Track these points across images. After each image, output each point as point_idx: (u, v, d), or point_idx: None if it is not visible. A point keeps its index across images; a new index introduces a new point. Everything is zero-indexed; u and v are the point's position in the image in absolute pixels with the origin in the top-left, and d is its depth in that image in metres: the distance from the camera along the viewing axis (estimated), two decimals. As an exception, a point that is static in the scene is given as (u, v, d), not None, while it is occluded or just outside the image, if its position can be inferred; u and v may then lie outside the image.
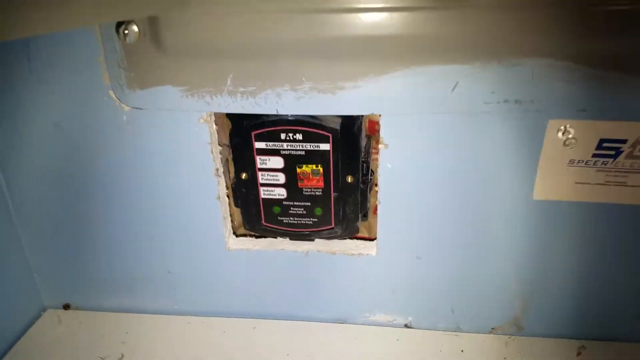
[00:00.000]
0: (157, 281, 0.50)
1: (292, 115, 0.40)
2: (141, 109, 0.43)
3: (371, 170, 0.47)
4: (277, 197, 0.45)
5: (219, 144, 0.47)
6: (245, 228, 0.49)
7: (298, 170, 0.43)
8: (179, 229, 0.47)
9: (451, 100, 0.38)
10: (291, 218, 0.47)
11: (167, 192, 0.46)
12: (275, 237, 0.50)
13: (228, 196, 0.49)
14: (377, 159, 0.44)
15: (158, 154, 0.45)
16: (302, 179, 0.44)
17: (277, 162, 0.43)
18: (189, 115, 0.42)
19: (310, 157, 0.42)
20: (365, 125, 0.49)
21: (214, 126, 0.45)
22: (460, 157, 0.41)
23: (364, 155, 0.45)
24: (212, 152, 0.45)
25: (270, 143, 0.42)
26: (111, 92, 0.43)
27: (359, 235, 0.51)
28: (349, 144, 0.41)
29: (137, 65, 0.40)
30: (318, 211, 0.46)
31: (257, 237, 0.49)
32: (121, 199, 0.48)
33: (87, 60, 0.41)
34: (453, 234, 0.44)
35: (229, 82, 0.39)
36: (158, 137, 0.44)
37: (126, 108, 0.43)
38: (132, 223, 0.48)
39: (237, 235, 0.52)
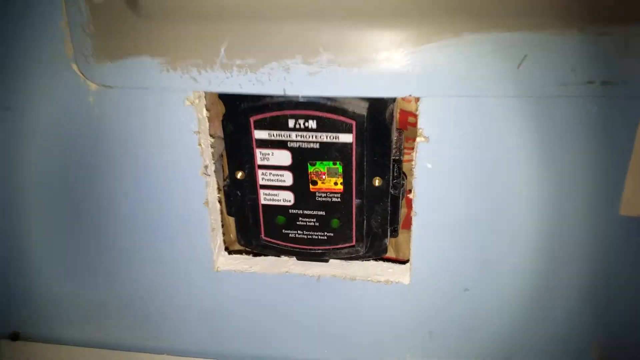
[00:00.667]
0: (126, 308, 0.48)
1: (303, 97, 0.37)
2: (111, 87, 0.40)
3: (403, 172, 0.44)
4: (281, 203, 0.42)
5: (210, 135, 0.44)
6: (239, 243, 0.46)
7: (310, 168, 0.40)
8: (156, 243, 0.45)
9: (516, 80, 0.34)
10: (299, 231, 0.43)
11: (142, 194, 0.44)
12: (279, 256, 0.47)
13: (220, 202, 0.46)
14: (410, 160, 0.41)
15: (132, 146, 0.43)
16: (315, 180, 0.40)
17: (283, 157, 0.40)
18: (171, 96, 0.39)
19: (327, 151, 0.39)
20: (396, 115, 0.45)
21: (204, 111, 0.42)
22: (526, 157, 0.38)
23: (396, 151, 0.41)
24: (200, 144, 0.42)
25: (275, 132, 0.39)
26: (74, 66, 0.40)
27: (387, 256, 0.47)
28: (378, 136, 0.38)
29: (106, 31, 0.38)
30: (335, 223, 0.42)
31: (255, 254, 0.46)
32: (85, 203, 0.46)
33: (44, 25, 0.39)
34: (514, 259, 0.41)
35: (222, 52, 0.36)
36: (132, 124, 0.42)
37: (93, 86, 0.41)
38: (97, 234, 0.46)
39: (229, 252, 0.49)
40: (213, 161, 0.46)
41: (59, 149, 0.44)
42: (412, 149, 0.40)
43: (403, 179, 0.43)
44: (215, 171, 0.46)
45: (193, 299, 0.47)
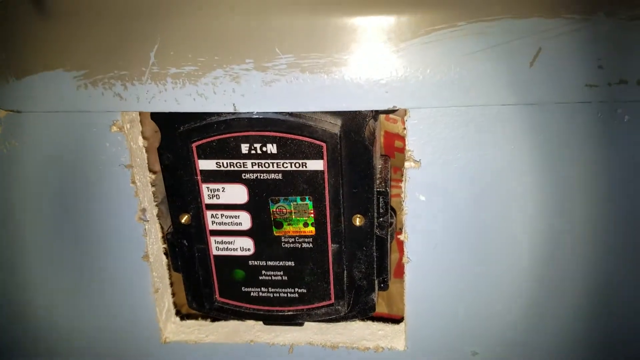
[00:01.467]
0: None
1: (258, 113, 0.29)
2: (20, 111, 0.31)
3: (392, 208, 0.35)
4: (238, 253, 0.33)
5: (152, 172, 0.35)
6: (190, 307, 0.37)
7: (273, 206, 0.31)
8: (85, 312, 0.38)
9: (528, 82, 0.27)
10: (263, 288, 0.34)
11: (68, 247, 0.36)
12: (242, 319, 0.37)
13: (166, 254, 0.37)
14: (399, 195, 0.32)
15: (53, 186, 0.35)
16: (279, 222, 0.32)
17: (237, 193, 0.31)
18: (94, 120, 0.32)
19: (292, 183, 0.30)
20: (379, 138, 0.37)
21: (140, 140, 0.34)
22: (544, 181, 0.30)
23: (381, 182, 0.33)
24: (135, 182, 0.33)
25: (224, 161, 0.30)
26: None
27: (377, 312, 0.38)
28: (356, 161, 0.30)
29: (9, 40, 0.30)
30: (308, 276, 0.33)
31: (214, 319, 0.37)
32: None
33: None
34: (536, 314, 0.34)
35: (152, 57, 0.29)
36: (50, 159, 0.34)
37: (1, 113, 0.32)
38: (11, 301, 0.38)
39: (182, 317, 0.39)
40: (155, 203, 0.37)
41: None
42: (401, 180, 0.32)
43: (392, 217, 0.35)
44: (159, 215, 0.37)
45: None
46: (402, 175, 0.32)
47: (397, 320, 0.40)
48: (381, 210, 0.34)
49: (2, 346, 0.41)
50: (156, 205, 0.37)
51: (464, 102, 0.28)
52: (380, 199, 0.33)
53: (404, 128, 0.36)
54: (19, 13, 0.30)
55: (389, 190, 0.34)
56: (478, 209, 0.32)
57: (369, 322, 0.40)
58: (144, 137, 0.35)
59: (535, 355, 0.36)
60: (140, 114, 0.34)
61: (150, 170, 0.36)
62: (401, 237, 0.35)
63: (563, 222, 0.32)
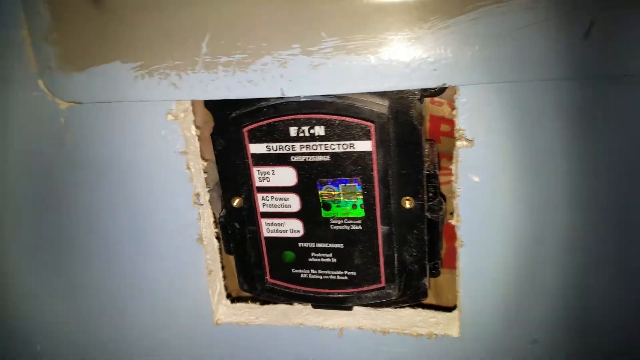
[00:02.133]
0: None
1: (306, 96, 0.29)
2: (81, 102, 0.34)
3: (441, 194, 0.35)
4: (288, 234, 0.34)
5: (204, 159, 0.37)
6: (242, 288, 0.38)
7: (322, 188, 0.32)
8: (139, 292, 0.40)
9: (581, 55, 0.26)
10: (313, 270, 0.35)
11: (125, 230, 0.38)
12: (291, 303, 0.38)
13: (218, 238, 0.38)
14: (448, 181, 0.32)
15: (111, 172, 0.37)
16: (328, 204, 0.32)
17: (287, 175, 0.32)
18: (151, 110, 0.33)
19: (340, 165, 0.31)
20: (425, 121, 0.37)
21: (193, 129, 0.35)
22: (600, 159, 0.29)
23: (429, 164, 0.33)
24: (190, 168, 0.35)
25: (274, 145, 0.31)
26: (40, 82, 0.34)
27: (425, 301, 0.38)
28: (405, 142, 0.30)
29: (70, 35, 0.32)
30: (357, 259, 0.33)
31: (263, 302, 0.38)
32: (59, 242, 0.40)
33: (3, 37, 0.34)
34: (602, 298, 0.32)
35: (204, 47, 0.30)
36: (109, 147, 0.36)
37: (63, 105, 0.35)
38: (71, 273, 0.40)
39: (232, 300, 0.40)
40: (207, 189, 0.38)
41: (29, 182, 0.38)
42: (447, 168, 0.32)
43: (441, 202, 0.34)
44: (210, 201, 0.39)
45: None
46: (451, 160, 0.32)
47: (446, 309, 0.39)
48: (430, 194, 0.34)
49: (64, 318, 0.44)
50: (208, 191, 0.39)
51: (515, 78, 0.28)
52: (430, 182, 0.33)
53: (452, 110, 0.35)
54: (77, 7, 0.32)
55: (437, 173, 0.34)
56: (534, 188, 0.31)
57: (420, 310, 0.39)
58: (196, 126, 0.36)
59: (597, 344, 0.34)
60: (193, 103, 0.35)
61: (202, 158, 0.38)
62: (452, 221, 0.34)
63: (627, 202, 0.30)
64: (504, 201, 0.31)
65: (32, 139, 0.37)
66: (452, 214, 0.35)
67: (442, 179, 0.38)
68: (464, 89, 0.29)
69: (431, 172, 0.33)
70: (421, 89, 0.29)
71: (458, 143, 0.30)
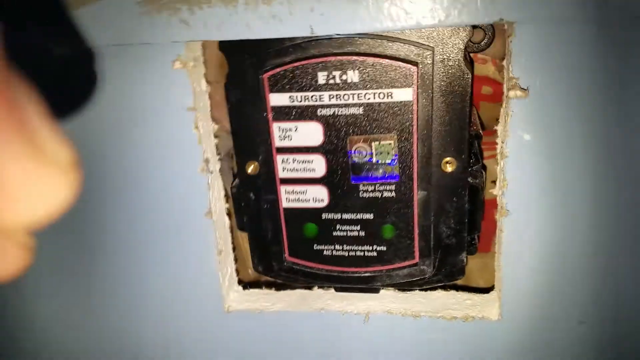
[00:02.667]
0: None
1: (338, 34, 0.25)
2: (77, 49, 0.30)
3: (482, 160, 0.31)
4: (311, 204, 0.30)
5: (214, 121, 0.33)
6: (256, 269, 0.34)
7: (351, 145, 0.28)
8: (141, 275, 0.35)
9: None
10: (337, 246, 0.31)
11: (123, 199, 0.34)
12: (310, 287, 0.34)
13: (229, 213, 0.34)
14: (492, 155, 0.29)
15: (108, 130, 0.32)
16: (359, 166, 0.28)
17: (312, 132, 0.28)
18: (156, 55, 0.29)
19: (375, 118, 0.27)
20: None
21: (204, 83, 0.31)
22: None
23: (472, 125, 0.29)
24: (198, 128, 0.31)
25: (298, 95, 0.27)
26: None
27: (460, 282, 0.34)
28: (451, 91, 0.26)
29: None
30: (388, 231, 0.29)
31: (278, 287, 0.33)
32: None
33: None
34: None
35: (221, -24, 0.26)
36: (104, 101, 0.32)
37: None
38: (65, 268, 0.36)
39: (244, 286, 0.36)
40: (219, 157, 0.34)
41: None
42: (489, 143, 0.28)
43: (484, 167, 0.31)
44: (221, 172, 0.34)
45: (198, 351, 0.36)
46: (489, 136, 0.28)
47: (484, 290, 0.35)
48: (472, 159, 0.30)
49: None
50: (219, 160, 0.35)
51: (583, 16, 0.24)
52: (475, 141, 0.29)
53: (497, 69, 0.32)
54: None
55: (480, 133, 0.30)
56: (592, 149, 0.27)
57: (453, 292, 0.35)
58: (207, 81, 0.32)
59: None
60: (205, 51, 0.31)
61: (214, 121, 0.34)
62: (495, 190, 0.31)
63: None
64: (557, 164, 0.28)
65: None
66: (493, 181, 0.31)
67: (486, 153, 0.34)
68: (521, 27, 0.25)
69: (475, 132, 0.29)
70: (471, 30, 0.25)
71: (511, 93, 0.26)
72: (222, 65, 0.33)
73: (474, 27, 0.26)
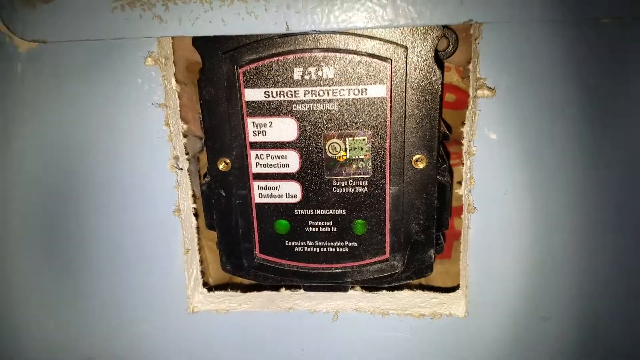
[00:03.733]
0: None
1: (314, 30, 0.26)
2: (46, 41, 0.29)
3: (447, 158, 0.33)
4: (283, 200, 0.30)
5: (185, 121, 0.33)
6: (224, 269, 0.33)
7: (326, 141, 0.28)
8: (105, 275, 0.34)
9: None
10: (309, 242, 0.31)
11: (91, 196, 0.33)
12: (278, 288, 0.34)
13: (196, 214, 0.34)
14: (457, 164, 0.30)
15: (74, 129, 0.32)
16: (332, 161, 0.29)
17: (286, 128, 0.29)
18: (128, 51, 0.29)
19: (349, 114, 0.28)
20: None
21: (174, 82, 0.31)
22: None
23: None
24: (169, 125, 0.30)
25: (274, 90, 0.27)
26: (-5, 20, 0.30)
27: (425, 280, 0.35)
28: (423, 88, 0.27)
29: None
30: (360, 226, 0.30)
31: (245, 290, 0.33)
32: (11, 213, 0.34)
33: None
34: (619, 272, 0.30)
35: (198, -31, 0.26)
36: (74, 100, 0.31)
37: (22, 47, 0.30)
38: (32, 257, 0.34)
39: (209, 289, 0.36)
40: (187, 157, 0.34)
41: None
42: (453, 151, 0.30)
43: (451, 168, 0.32)
44: (189, 172, 0.34)
45: (162, 353, 0.36)
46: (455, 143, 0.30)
47: (450, 289, 0.36)
48: (442, 152, 0.31)
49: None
50: (187, 159, 0.34)
51: (548, 17, 0.26)
52: (443, 138, 0.30)
53: (459, 79, 0.33)
54: None
55: (448, 134, 0.31)
56: (558, 147, 0.29)
57: (419, 291, 0.36)
58: (176, 80, 0.32)
59: (608, 321, 0.32)
60: (175, 50, 0.31)
61: (183, 121, 0.34)
62: (461, 190, 0.32)
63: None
64: (524, 161, 0.29)
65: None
66: (459, 182, 0.32)
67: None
68: (489, 27, 0.27)
69: (444, 132, 0.30)
70: (442, 31, 0.27)
71: (478, 92, 0.28)
72: (189, 67, 0.33)
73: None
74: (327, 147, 0.29)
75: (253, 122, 0.29)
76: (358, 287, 0.36)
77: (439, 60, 0.28)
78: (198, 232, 0.36)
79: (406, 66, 0.27)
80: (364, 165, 0.29)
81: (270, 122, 0.29)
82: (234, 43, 0.28)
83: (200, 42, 0.28)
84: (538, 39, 0.26)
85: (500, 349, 0.33)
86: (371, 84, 0.27)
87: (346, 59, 0.27)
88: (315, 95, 0.28)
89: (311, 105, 0.28)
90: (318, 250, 0.32)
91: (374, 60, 0.27)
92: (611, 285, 0.31)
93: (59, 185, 0.33)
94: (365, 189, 0.30)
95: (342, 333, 0.34)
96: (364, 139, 0.29)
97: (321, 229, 0.31)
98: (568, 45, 0.26)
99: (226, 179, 0.31)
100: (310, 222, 0.31)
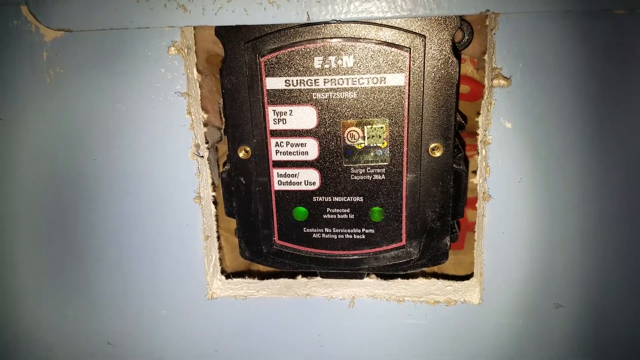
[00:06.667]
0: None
1: (335, 20, 0.27)
2: (72, 30, 0.30)
3: (463, 147, 0.33)
4: (302, 187, 0.31)
5: (205, 111, 0.34)
6: (243, 256, 0.34)
7: (344, 130, 0.29)
8: (125, 262, 0.36)
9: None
10: (327, 229, 0.32)
11: (108, 189, 0.34)
12: (294, 275, 0.35)
13: (215, 202, 0.35)
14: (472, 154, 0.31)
15: (99, 118, 0.33)
16: (350, 149, 0.30)
17: (306, 116, 0.29)
18: (152, 41, 0.30)
19: (368, 102, 0.29)
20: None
21: (195, 71, 0.32)
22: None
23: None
24: (190, 114, 0.31)
25: (295, 79, 0.28)
26: (24, 8, 0.30)
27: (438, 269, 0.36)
28: (440, 77, 0.28)
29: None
30: (377, 213, 0.31)
31: (262, 277, 0.34)
32: (33, 201, 0.35)
33: None
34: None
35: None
36: (98, 88, 0.32)
37: (48, 35, 0.31)
38: (54, 243, 0.36)
39: (227, 276, 0.37)
40: (207, 146, 0.35)
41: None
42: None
43: (466, 157, 0.33)
44: (208, 161, 0.35)
45: (180, 341, 0.37)
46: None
47: (463, 277, 0.37)
48: (458, 142, 0.32)
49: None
50: (207, 149, 0.35)
51: (565, 6, 0.27)
52: (459, 128, 0.31)
53: (475, 68, 0.34)
54: None
55: (464, 123, 0.32)
56: (572, 137, 0.29)
57: (433, 279, 0.37)
58: (197, 70, 0.33)
59: (621, 309, 0.33)
60: (197, 41, 0.32)
61: (204, 110, 0.35)
62: (475, 180, 0.33)
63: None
64: (538, 150, 0.30)
65: (10, 77, 0.33)
66: (474, 172, 0.33)
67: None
68: (506, 18, 0.27)
69: (459, 121, 0.31)
70: (459, 21, 0.28)
71: (494, 82, 0.29)
72: (209, 59, 0.34)
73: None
74: (345, 135, 0.30)
75: (274, 110, 0.30)
76: (373, 275, 0.36)
77: (456, 50, 0.28)
78: (217, 220, 0.37)
79: (424, 55, 0.28)
80: (381, 153, 0.30)
81: (291, 110, 0.30)
82: (256, 32, 0.28)
83: (222, 32, 0.29)
84: (553, 29, 0.27)
85: (514, 335, 0.34)
86: (390, 72, 0.28)
87: (365, 47, 0.28)
88: (335, 84, 0.29)
89: (331, 93, 0.29)
90: (335, 237, 0.33)
91: (393, 49, 0.28)
92: (624, 273, 0.32)
93: (83, 172, 0.34)
94: (383, 177, 0.31)
95: (358, 319, 0.35)
96: (382, 127, 0.30)
97: (339, 216, 0.32)
98: (582, 36, 0.27)
99: (246, 166, 0.32)
100: (328, 209, 0.32)
